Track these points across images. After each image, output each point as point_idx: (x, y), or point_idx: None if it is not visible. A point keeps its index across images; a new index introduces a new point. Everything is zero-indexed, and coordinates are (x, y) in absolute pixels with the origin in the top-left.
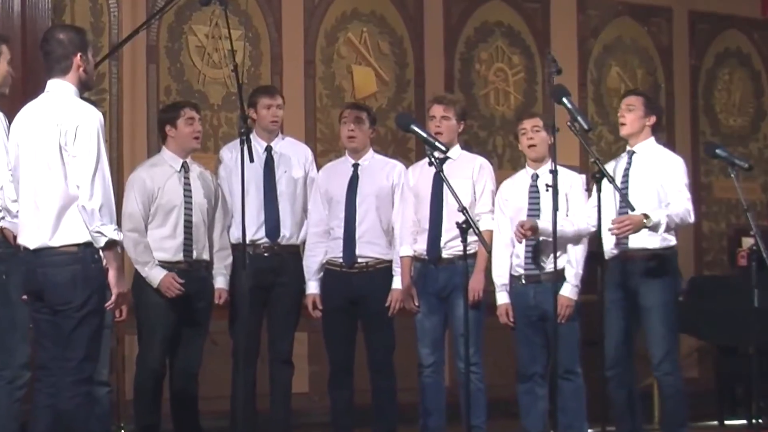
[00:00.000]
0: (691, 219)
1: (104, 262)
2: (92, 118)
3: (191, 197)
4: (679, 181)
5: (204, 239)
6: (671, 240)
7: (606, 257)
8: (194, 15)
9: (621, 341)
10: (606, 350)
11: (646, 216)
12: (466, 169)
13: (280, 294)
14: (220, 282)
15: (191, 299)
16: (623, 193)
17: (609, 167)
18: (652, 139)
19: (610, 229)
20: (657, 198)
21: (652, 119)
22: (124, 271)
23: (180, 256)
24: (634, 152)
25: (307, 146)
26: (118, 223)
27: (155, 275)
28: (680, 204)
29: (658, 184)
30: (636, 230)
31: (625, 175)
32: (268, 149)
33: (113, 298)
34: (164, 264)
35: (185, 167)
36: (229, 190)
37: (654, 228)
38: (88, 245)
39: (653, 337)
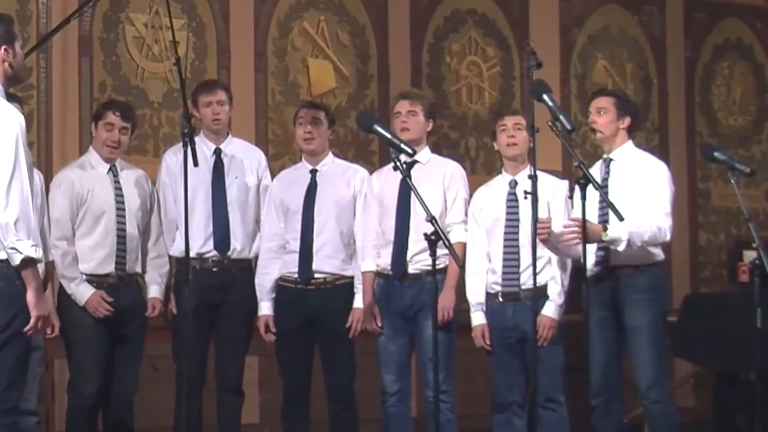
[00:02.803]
0: (666, 237)
1: None
2: (10, 120)
3: (124, 202)
4: (659, 193)
5: (137, 250)
6: (657, 254)
7: (588, 274)
8: (132, 2)
9: (607, 366)
10: (591, 376)
11: (604, 228)
12: (437, 175)
13: (229, 314)
14: (154, 291)
15: (123, 317)
16: (611, 201)
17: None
18: (630, 143)
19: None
20: (640, 210)
21: (626, 121)
22: (44, 290)
23: (110, 268)
24: (611, 160)
25: (259, 149)
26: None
27: (82, 293)
28: (652, 220)
29: (640, 195)
30: (590, 241)
31: (604, 186)
32: (217, 152)
33: (32, 321)
34: (91, 277)
35: (113, 170)
36: (173, 197)
37: (612, 243)
38: None
39: (639, 360)
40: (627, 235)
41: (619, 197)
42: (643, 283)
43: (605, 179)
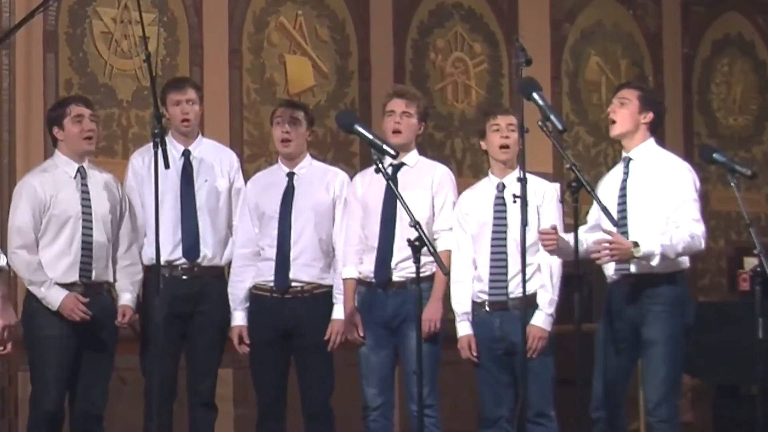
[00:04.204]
0: (701, 245)
1: None
2: None
3: (90, 207)
4: (685, 197)
5: (106, 258)
6: (683, 262)
7: (607, 281)
8: None
9: (614, 380)
10: (594, 388)
11: (636, 244)
12: (425, 179)
13: (201, 324)
14: (125, 299)
15: (91, 328)
16: (605, 206)
17: (606, 179)
18: (652, 140)
19: (590, 252)
20: (662, 215)
21: (649, 116)
22: (10, 300)
23: (74, 277)
24: (630, 159)
25: (231, 151)
26: (5, 239)
27: (54, 296)
28: (684, 229)
29: (661, 198)
30: (622, 259)
31: (623, 188)
32: (186, 154)
33: None
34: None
35: (81, 172)
36: (140, 202)
37: (645, 259)
38: None
39: (651, 376)
40: (660, 249)
41: (638, 199)
42: (666, 294)
43: (624, 180)
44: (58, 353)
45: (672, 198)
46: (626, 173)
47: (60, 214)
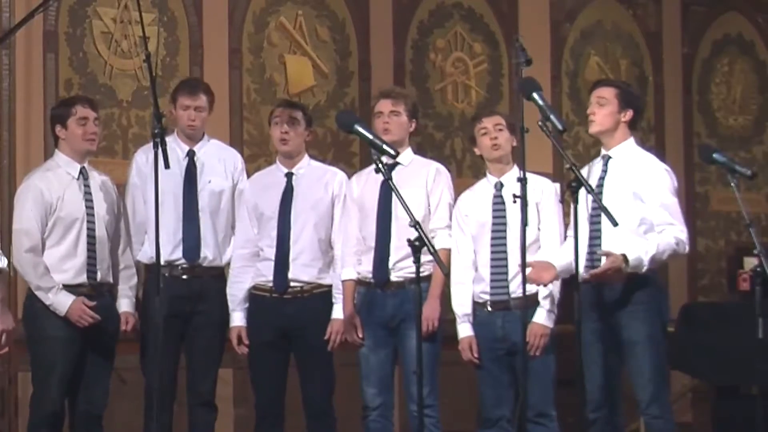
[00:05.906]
0: (685, 249)
1: None
2: None
3: (93, 209)
4: (663, 200)
5: (108, 258)
6: None
7: (579, 281)
8: None
9: (605, 380)
10: (588, 390)
11: (625, 258)
12: (419, 177)
13: (201, 324)
14: (126, 305)
15: (95, 330)
16: (605, 206)
17: (582, 173)
18: (632, 140)
19: (590, 276)
20: (637, 215)
21: (628, 114)
22: (8, 303)
23: (83, 278)
24: (610, 157)
25: (236, 151)
26: (11, 241)
27: (62, 301)
28: (669, 234)
29: (637, 199)
30: (617, 274)
31: (600, 185)
32: (191, 154)
33: None
34: (64, 288)
35: (84, 173)
36: (143, 200)
37: (635, 269)
38: None
39: (638, 377)
40: (648, 259)
41: (615, 198)
42: (640, 293)
43: (602, 178)
44: (62, 354)
45: (648, 200)
46: (605, 171)
47: (66, 216)
